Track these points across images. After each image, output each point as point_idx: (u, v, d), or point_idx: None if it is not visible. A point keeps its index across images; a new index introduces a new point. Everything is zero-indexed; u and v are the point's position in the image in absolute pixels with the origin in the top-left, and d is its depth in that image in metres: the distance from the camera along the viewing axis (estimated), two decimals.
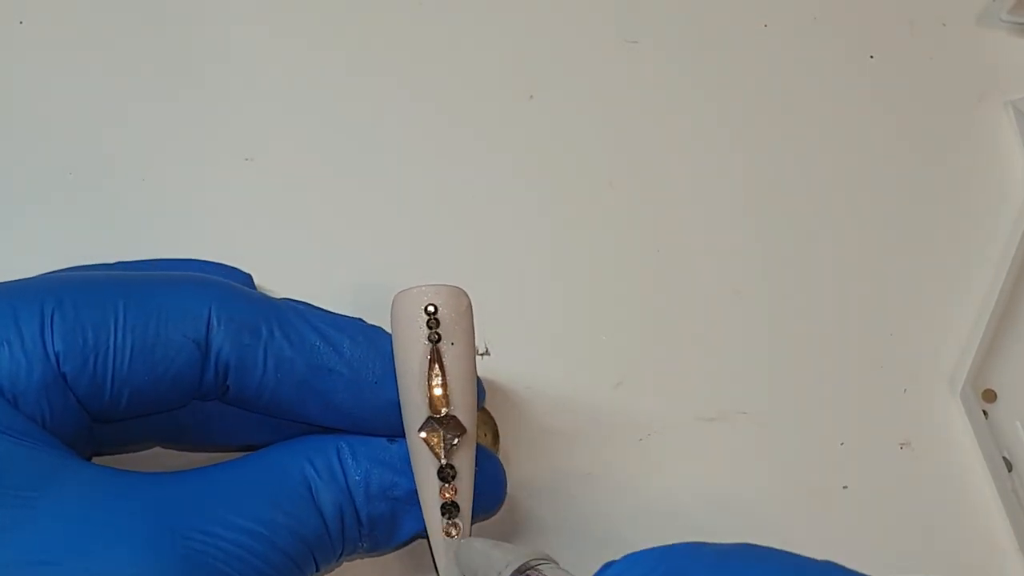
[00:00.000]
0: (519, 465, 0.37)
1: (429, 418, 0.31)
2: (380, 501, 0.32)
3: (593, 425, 0.38)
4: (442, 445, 0.31)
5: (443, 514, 0.32)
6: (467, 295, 0.32)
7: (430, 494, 0.32)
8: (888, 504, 0.37)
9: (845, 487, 0.37)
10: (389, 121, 0.41)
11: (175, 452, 0.35)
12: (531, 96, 0.41)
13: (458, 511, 0.32)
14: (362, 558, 0.35)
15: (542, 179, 0.40)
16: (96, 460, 0.34)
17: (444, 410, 0.31)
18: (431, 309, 0.31)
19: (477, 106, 0.41)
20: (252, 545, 0.29)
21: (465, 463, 0.32)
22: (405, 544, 0.33)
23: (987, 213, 0.41)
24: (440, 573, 0.32)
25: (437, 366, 0.31)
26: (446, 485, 0.31)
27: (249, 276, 0.35)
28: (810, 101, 0.42)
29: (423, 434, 0.31)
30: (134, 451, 0.35)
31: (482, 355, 0.37)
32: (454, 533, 0.32)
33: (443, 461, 0.31)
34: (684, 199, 0.40)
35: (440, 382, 0.31)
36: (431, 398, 0.31)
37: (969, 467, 0.38)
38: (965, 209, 0.41)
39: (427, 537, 0.32)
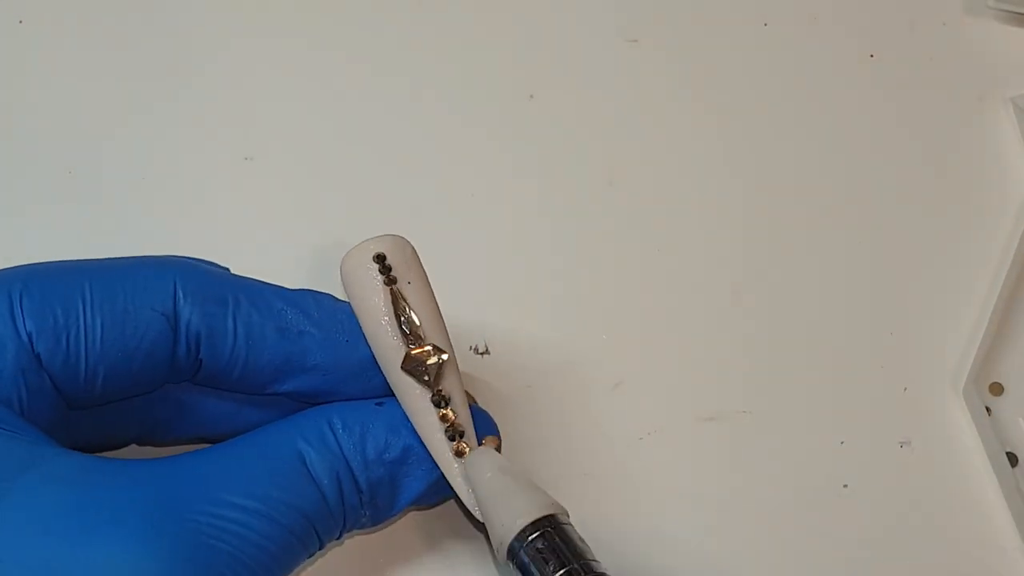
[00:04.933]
0: (519, 464, 0.37)
1: (408, 353, 0.31)
2: (377, 465, 0.32)
3: (593, 425, 0.38)
4: (428, 373, 0.31)
5: (449, 438, 0.32)
6: (410, 243, 0.32)
7: (430, 425, 0.32)
8: (888, 503, 0.37)
9: (845, 486, 0.37)
10: (389, 121, 0.41)
11: (154, 449, 0.35)
12: (531, 96, 0.41)
13: (463, 434, 0.32)
14: (366, 532, 0.35)
15: (542, 179, 0.41)
16: None
17: (421, 337, 0.31)
18: (380, 256, 0.32)
19: (477, 106, 0.41)
20: (249, 521, 0.29)
21: (455, 387, 0.32)
22: (405, 511, 0.33)
23: (988, 210, 0.41)
24: (464, 499, 0.32)
25: (402, 302, 0.31)
26: (444, 410, 0.32)
27: (227, 269, 0.35)
28: (810, 100, 0.42)
29: (407, 368, 0.31)
30: (112, 448, 0.34)
31: (482, 354, 0.37)
32: (467, 450, 0.32)
33: (435, 388, 0.32)
34: (684, 199, 0.40)
35: (407, 316, 0.31)
36: (404, 333, 0.31)
37: (971, 465, 0.38)
38: (966, 206, 0.41)
39: (441, 479, 0.32)
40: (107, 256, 0.33)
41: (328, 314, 0.32)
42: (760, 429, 0.38)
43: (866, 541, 0.37)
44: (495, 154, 0.41)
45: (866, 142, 0.41)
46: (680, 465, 0.37)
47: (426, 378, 0.31)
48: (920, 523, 0.37)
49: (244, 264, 0.34)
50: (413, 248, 0.32)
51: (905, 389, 0.39)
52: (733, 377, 0.38)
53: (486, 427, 0.33)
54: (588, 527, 0.35)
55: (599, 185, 0.40)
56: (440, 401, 0.32)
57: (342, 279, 0.32)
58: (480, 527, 0.35)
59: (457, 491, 0.32)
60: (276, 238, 0.39)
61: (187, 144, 0.40)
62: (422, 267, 0.32)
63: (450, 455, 0.32)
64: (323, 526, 0.31)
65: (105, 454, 0.34)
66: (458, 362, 0.33)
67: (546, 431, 0.37)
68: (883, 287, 0.40)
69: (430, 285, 0.32)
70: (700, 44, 0.42)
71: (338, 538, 0.32)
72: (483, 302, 0.38)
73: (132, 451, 0.35)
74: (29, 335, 0.30)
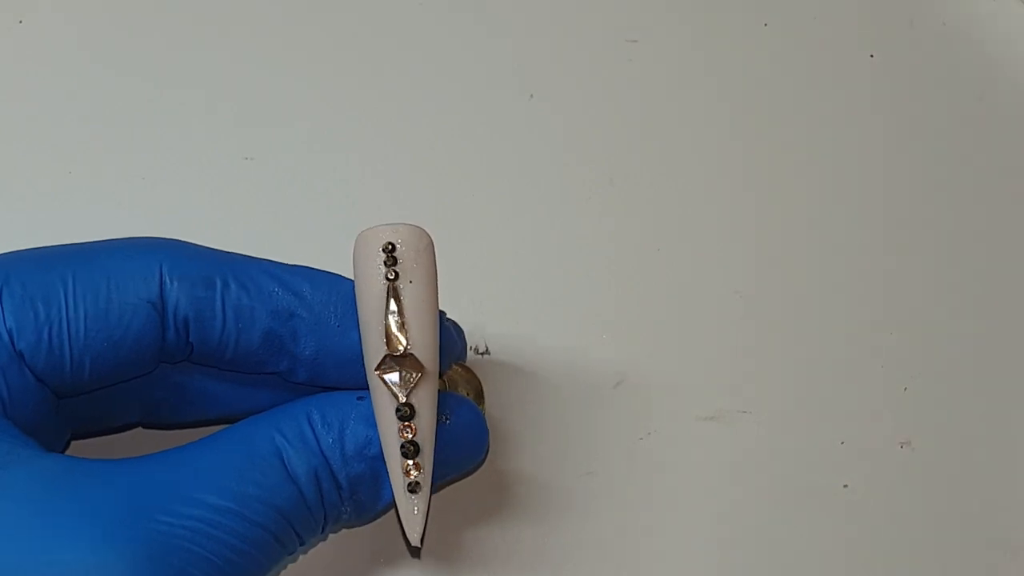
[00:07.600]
0: (518, 464, 0.37)
1: (386, 356, 0.30)
2: (357, 461, 0.31)
3: (593, 425, 0.38)
4: (399, 383, 0.30)
5: (402, 454, 0.30)
6: (428, 235, 0.31)
7: (390, 435, 0.31)
8: (888, 504, 0.37)
9: (845, 486, 0.37)
10: (389, 121, 0.41)
11: (156, 434, 0.35)
12: (531, 96, 0.41)
13: (418, 451, 0.31)
14: (350, 527, 0.34)
15: (542, 178, 0.41)
16: (76, 445, 0.34)
17: (401, 348, 0.30)
18: (389, 247, 0.31)
19: (477, 106, 0.41)
20: (221, 521, 0.29)
21: (426, 404, 0.31)
22: (391, 507, 0.32)
23: (987, 210, 0.41)
24: (401, 518, 0.31)
25: (394, 303, 0.30)
26: (404, 424, 0.30)
27: None
28: (810, 100, 0.42)
29: (380, 372, 0.31)
30: (114, 432, 0.34)
31: (482, 354, 0.38)
32: (414, 475, 0.31)
33: (401, 399, 0.30)
34: (684, 198, 0.40)
35: (397, 320, 0.30)
36: (388, 336, 0.30)
37: (971, 465, 0.38)
38: (965, 208, 0.41)
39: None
40: None
41: (322, 295, 0.31)
42: (760, 429, 0.38)
43: (866, 541, 0.37)
44: (495, 154, 0.41)
45: (865, 142, 0.41)
46: (680, 465, 0.37)
47: (395, 387, 0.31)
48: (919, 524, 0.37)
49: None
50: (430, 242, 0.31)
51: (905, 389, 0.39)
52: (733, 377, 0.38)
53: (473, 431, 0.33)
54: (588, 527, 0.35)
55: (599, 185, 0.40)
56: (404, 415, 0.30)
57: (352, 257, 0.31)
58: (415, 552, 0.35)
59: (400, 511, 0.31)
60: (275, 238, 0.39)
61: (187, 144, 0.40)
62: (433, 266, 0.31)
63: (399, 471, 0.31)
64: (302, 524, 0.30)
65: (108, 438, 0.35)
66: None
67: (546, 431, 0.37)
68: (882, 287, 0.40)
69: (435, 291, 0.31)
70: (700, 44, 0.42)
71: (322, 534, 0.32)
72: (483, 302, 0.38)
73: (137, 434, 0.35)
74: (10, 332, 0.29)
